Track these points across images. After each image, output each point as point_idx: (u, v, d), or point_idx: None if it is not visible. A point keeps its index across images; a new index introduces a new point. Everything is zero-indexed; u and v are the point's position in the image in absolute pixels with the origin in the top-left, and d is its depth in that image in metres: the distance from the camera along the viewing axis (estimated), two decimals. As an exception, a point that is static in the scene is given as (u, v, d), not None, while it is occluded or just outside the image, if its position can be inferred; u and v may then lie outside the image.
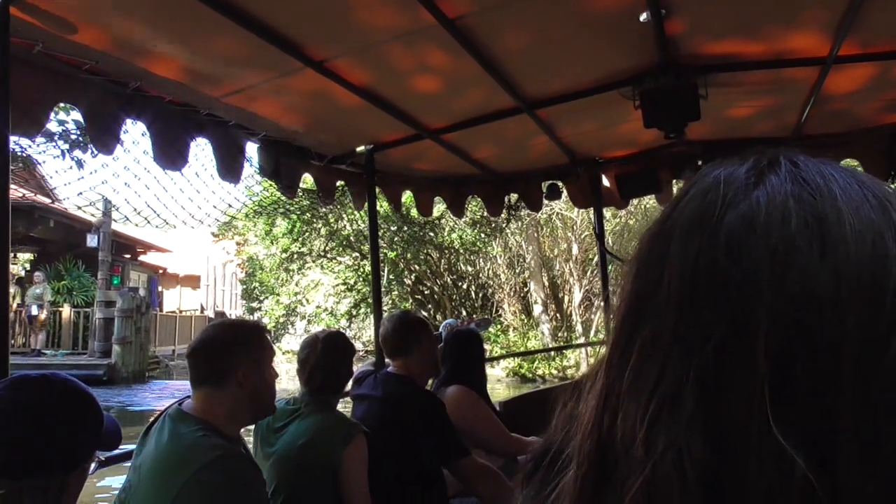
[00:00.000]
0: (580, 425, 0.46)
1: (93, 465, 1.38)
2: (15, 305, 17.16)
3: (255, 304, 24.72)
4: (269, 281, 22.26)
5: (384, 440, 2.62)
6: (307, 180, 4.06)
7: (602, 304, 5.80)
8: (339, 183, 4.14)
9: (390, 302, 18.65)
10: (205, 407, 1.93)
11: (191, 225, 5.21)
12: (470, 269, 18.97)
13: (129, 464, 1.94)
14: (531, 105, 3.57)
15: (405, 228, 16.52)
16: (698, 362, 0.38)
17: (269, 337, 2.17)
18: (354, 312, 19.70)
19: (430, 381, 3.52)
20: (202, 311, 27.80)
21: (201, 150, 3.29)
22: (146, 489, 1.78)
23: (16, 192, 12.08)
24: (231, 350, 1.98)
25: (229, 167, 3.07)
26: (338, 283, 19.77)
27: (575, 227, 17.34)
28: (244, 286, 26.21)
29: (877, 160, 4.35)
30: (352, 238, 18.00)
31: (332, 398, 2.71)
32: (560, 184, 5.20)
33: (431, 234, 17.55)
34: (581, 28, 2.79)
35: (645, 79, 3.24)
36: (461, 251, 18.21)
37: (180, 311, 26.30)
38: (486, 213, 5.49)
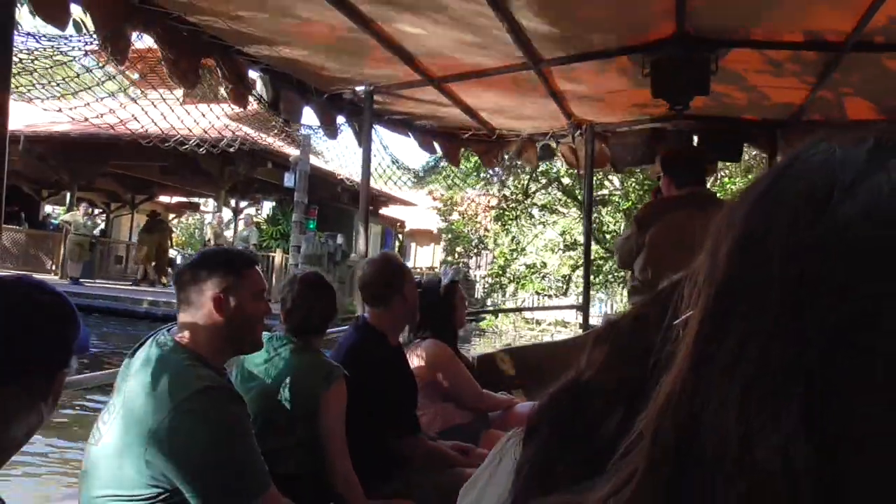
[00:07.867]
0: (657, 393, 0.43)
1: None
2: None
3: (450, 259, 21.46)
4: (462, 229, 19.74)
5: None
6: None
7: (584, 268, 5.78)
8: (339, 120, 4.08)
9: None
10: (190, 335, 1.91)
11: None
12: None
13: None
14: (539, 62, 3.51)
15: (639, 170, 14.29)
16: (804, 366, 0.35)
17: (258, 269, 2.11)
18: (573, 276, 16.71)
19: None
20: (434, 269, 25.11)
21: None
22: (129, 413, 1.76)
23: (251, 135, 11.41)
24: (206, 276, 1.93)
25: (237, 93, 3.00)
26: (563, 241, 17.17)
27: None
28: (445, 237, 22.76)
29: None
30: (562, 181, 15.56)
31: (313, 338, 2.68)
32: (554, 144, 5.18)
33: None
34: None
35: (658, 47, 3.20)
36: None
37: (422, 268, 23.70)
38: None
